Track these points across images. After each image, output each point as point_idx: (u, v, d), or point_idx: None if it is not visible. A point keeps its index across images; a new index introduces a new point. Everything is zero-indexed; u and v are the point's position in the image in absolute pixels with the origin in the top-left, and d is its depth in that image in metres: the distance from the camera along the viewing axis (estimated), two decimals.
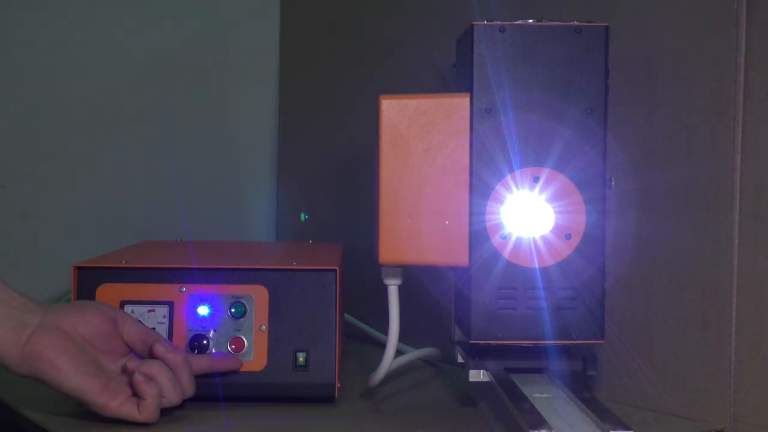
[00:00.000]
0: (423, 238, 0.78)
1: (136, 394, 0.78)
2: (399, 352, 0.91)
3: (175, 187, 1.35)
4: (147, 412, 0.77)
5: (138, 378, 0.77)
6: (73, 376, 0.76)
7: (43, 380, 0.76)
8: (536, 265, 0.76)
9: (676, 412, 0.84)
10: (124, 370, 0.79)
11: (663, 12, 0.85)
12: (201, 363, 0.83)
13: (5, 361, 0.76)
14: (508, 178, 0.76)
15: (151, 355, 0.81)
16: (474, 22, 0.76)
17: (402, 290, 0.84)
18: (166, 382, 0.78)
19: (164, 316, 0.86)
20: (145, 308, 0.86)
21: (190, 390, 0.81)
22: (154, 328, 0.86)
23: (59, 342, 0.76)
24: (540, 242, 0.76)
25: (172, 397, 0.79)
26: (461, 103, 0.77)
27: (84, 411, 0.78)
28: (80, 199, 1.26)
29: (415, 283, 0.88)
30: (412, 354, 0.99)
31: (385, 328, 0.84)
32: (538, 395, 0.75)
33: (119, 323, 0.81)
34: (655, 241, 0.85)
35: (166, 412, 0.80)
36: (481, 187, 0.76)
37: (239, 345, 0.86)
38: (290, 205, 1.40)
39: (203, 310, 0.86)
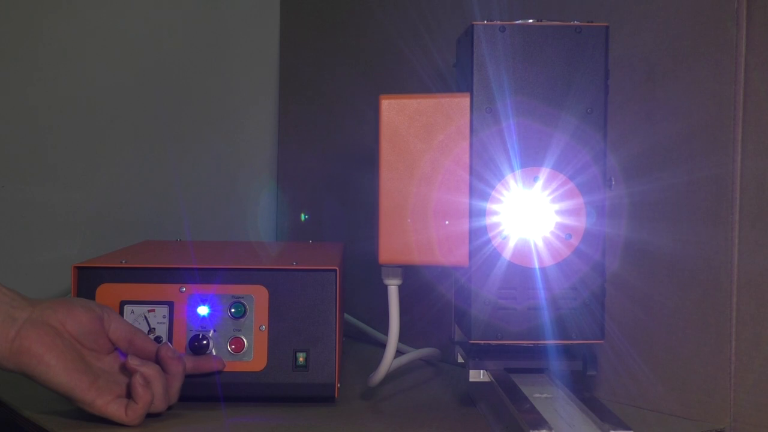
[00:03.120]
0: (423, 238, 0.78)
1: (123, 395, 0.78)
2: (399, 352, 0.91)
3: (175, 187, 1.35)
4: (134, 415, 0.77)
5: (139, 381, 0.77)
6: (62, 373, 0.76)
7: (31, 375, 0.76)
8: (536, 265, 0.76)
9: (676, 412, 0.84)
10: (124, 367, 0.80)
11: (663, 12, 0.85)
12: (186, 361, 0.83)
13: None
14: (508, 177, 0.76)
15: (142, 354, 0.81)
16: (474, 22, 0.76)
17: (402, 290, 0.84)
18: (159, 390, 0.78)
19: (164, 316, 0.86)
20: (145, 308, 0.86)
21: (175, 399, 0.81)
22: (153, 329, 0.86)
23: (48, 338, 0.76)
24: (540, 242, 0.76)
25: (160, 405, 0.79)
26: (461, 103, 0.77)
27: (83, 411, 0.78)
28: (80, 199, 1.26)
29: (416, 283, 0.88)
30: (412, 354, 0.99)
31: (385, 328, 0.84)
32: (538, 395, 0.75)
33: (105, 321, 0.81)
34: (655, 241, 0.85)
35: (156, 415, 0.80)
36: (481, 187, 0.76)
37: (239, 345, 0.86)
38: (290, 205, 1.41)
39: (203, 310, 0.86)
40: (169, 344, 0.83)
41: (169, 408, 0.81)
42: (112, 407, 0.77)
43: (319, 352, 0.86)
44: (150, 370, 0.78)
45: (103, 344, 0.81)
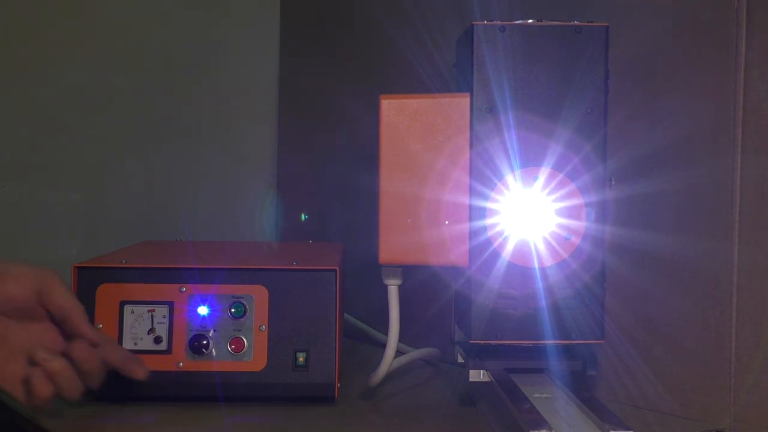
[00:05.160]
0: (423, 239, 0.78)
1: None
2: (399, 352, 0.91)
3: (176, 187, 1.35)
4: (32, 404, 0.76)
5: (38, 380, 0.75)
6: None
7: None
8: (536, 265, 0.76)
9: (676, 412, 0.84)
10: (32, 360, 0.76)
11: (663, 12, 0.85)
12: (112, 355, 0.80)
13: None
14: (508, 177, 0.76)
15: (72, 335, 0.79)
16: (474, 22, 0.76)
17: (402, 290, 0.84)
18: (65, 382, 0.76)
19: (164, 316, 0.86)
20: (145, 308, 0.86)
21: (95, 385, 0.79)
22: (153, 329, 0.86)
23: None
24: (540, 242, 0.76)
25: (70, 395, 0.76)
26: (461, 103, 0.77)
27: (85, 411, 0.78)
28: (80, 199, 1.26)
29: (416, 283, 0.88)
30: (412, 354, 0.99)
31: (385, 328, 0.84)
32: (538, 395, 0.75)
33: (43, 292, 0.78)
34: (655, 241, 0.85)
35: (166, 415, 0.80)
36: (480, 187, 0.76)
37: (239, 345, 0.86)
38: (290, 205, 1.40)
39: (203, 310, 0.86)
40: (86, 330, 0.79)
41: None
42: (16, 390, 0.75)
43: (319, 352, 0.86)
44: (57, 365, 0.75)
45: (32, 313, 0.79)
